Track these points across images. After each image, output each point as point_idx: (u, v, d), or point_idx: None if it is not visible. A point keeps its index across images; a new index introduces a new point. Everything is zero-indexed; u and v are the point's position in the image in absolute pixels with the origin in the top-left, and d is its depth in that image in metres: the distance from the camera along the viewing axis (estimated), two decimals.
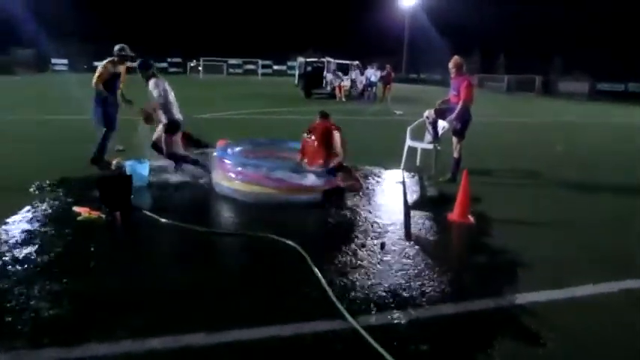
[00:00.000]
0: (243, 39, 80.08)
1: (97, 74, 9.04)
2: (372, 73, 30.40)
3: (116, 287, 4.44)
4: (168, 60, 72.91)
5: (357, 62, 33.62)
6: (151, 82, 8.24)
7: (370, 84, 30.49)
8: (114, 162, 8.83)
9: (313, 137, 7.99)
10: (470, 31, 68.65)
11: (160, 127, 8.46)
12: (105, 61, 9.15)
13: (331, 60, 31.92)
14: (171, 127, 8.37)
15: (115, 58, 9.21)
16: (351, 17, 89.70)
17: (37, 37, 59.80)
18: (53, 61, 66.00)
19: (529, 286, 4.79)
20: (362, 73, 32.07)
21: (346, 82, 31.00)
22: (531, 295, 4.61)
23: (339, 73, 31.11)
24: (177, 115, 8.47)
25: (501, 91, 55.18)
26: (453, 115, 8.84)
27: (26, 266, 4.72)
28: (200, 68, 65.15)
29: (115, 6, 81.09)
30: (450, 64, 9.01)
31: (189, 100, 27.62)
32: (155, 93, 8.22)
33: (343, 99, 28.95)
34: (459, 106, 8.76)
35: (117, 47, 9.27)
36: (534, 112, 28.37)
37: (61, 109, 18.85)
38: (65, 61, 67.30)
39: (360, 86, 31.79)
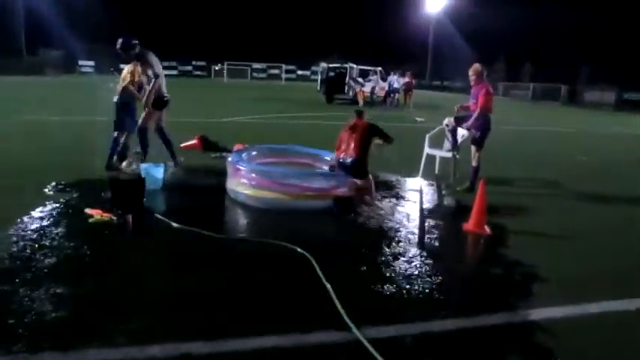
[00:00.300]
0: (268, 44, 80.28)
1: (125, 77, 9.11)
2: (395, 80, 30.41)
3: (120, 291, 4.40)
4: (193, 63, 73.59)
5: (379, 68, 33.57)
6: (152, 58, 8.51)
7: (392, 90, 30.50)
8: (124, 164, 8.76)
9: (354, 135, 7.79)
10: (495, 38, 68.06)
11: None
12: (131, 65, 9.22)
13: (353, 66, 31.85)
14: (161, 103, 8.52)
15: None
16: (376, 23, 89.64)
17: (66, 39, 60.55)
18: (80, 62, 66.87)
19: (543, 301, 4.65)
20: (384, 80, 32.08)
21: (366, 88, 30.97)
22: (545, 310, 4.48)
23: (360, 79, 31.05)
24: (166, 92, 8.60)
25: (526, 99, 54.65)
26: (469, 122, 8.73)
27: (33, 268, 4.69)
28: (224, 72, 65.55)
29: (142, 10, 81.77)
30: (470, 72, 8.88)
31: (211, 103, 27.93)
32: (157, 69, 8.48)
33: (362, 104, 28.81)
34: (475, 114, 8.63)
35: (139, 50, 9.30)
36: (558, 121, 27.95)
37: (84, 110, 19.02)
38: (92, 63, 68.18)
39: (380, 92, 31.76)
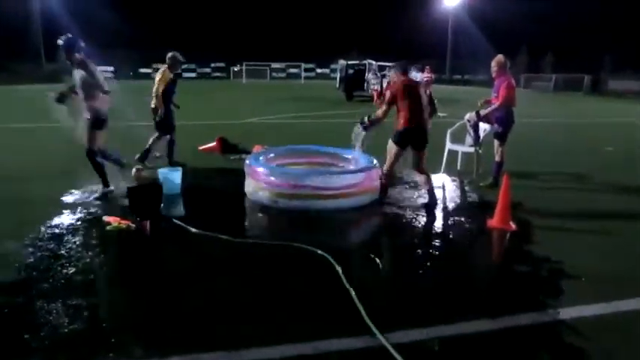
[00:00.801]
0: (286, 43, 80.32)
1: (159, 81, 9.38)
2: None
3: (138, 301, 4.34)
4: (212, 65, 73.84)
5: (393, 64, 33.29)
6: (92, 67, 7.70)
7: None
8: (133, 171, 8.67)
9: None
10: (516, 30, 67.42)
11: (85, 124, 7.64)
12: (163, 68, 9.53)
13: (372, 62, 31.65)
14: (101, 122, 7.58)
15: (168, 65, 9.57)
16: (395, 19, 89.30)
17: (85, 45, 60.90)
18: (99, 68, 67.06)
19: (574, 299, 4.48)
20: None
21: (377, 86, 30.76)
22: (576, 309, 4.31)
23: (378, 74, 30.81)
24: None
25: (548, 90, 53.97)
26: (491, 116, 8.55)
27: (50, 279, 4.64)
28: (243, 73, 65.68)
29: (159, 13, 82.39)
30: (492, 63, 8.67)
31: (231, 104, 27.95)
32: (97, 78, 7.69)
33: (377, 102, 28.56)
34: (494, 106, 8.45)
35: (169, 55, 9.63)
36: (582, 112, 27.50)
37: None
38: (111, 69, 68.60)
39: None
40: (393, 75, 7.65)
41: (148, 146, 9.58)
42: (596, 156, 12.61)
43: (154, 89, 9.41)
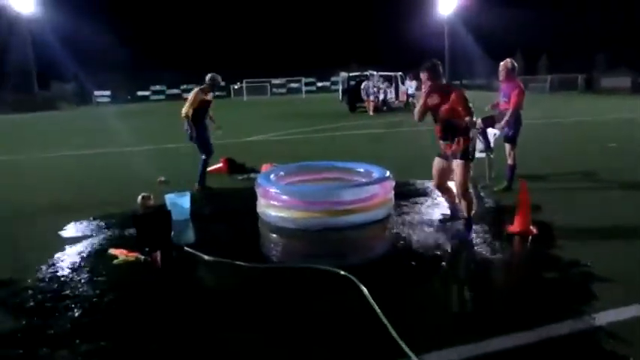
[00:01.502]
0: (285, 58, 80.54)
1: (188, 103, 9.33)
2: (409, 85, 30.61)
3: (152, 342, 4.01)
4: None
5: (399, 73, 33.48)
6: None
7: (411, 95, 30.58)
8: (139, 198, 8.36)
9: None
10: (510, 34, 67.71)
11: None
12: (195, 90, 9.54)
13: (374, 73, 31.63)
14: None
15: (205, 87, 9.62)
16: (391, 29, 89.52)
17: (78, 71, 60.82)
18: (96, 93, 67.14)
19: (609, 302, 4.29)
20: (403, 84, 32.23)
21: (380, 96, 30.67)
22: (612, 312, 4.12)
23: (378, 85, 30.71)
24: None
25: (544, 91, 54.25)
26: (503, 123, 8.38)
27: (54, 324, 4.30)
28: (244, 90, 65.72)
29: (156, 34, 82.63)
30: (501, 67, 8.53)
31: (233, 123, 27.81)
32: None
33: (371, 113, 28.48)
34: (509, 113, 8.29)
35: (208, 76, 9.74)
36: (579, 111, 27.45)
37: (102, 143, 19.01)
38: (108, 93, 68.59)
39: (403, 97, 31.81)
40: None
41: (200, 171, 9.52)
42: (601, 153, 12.49)
43: (183, 110, 9.28)
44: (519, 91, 8.28)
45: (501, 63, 8.54)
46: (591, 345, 3.70)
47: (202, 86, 9.58)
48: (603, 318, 4.02)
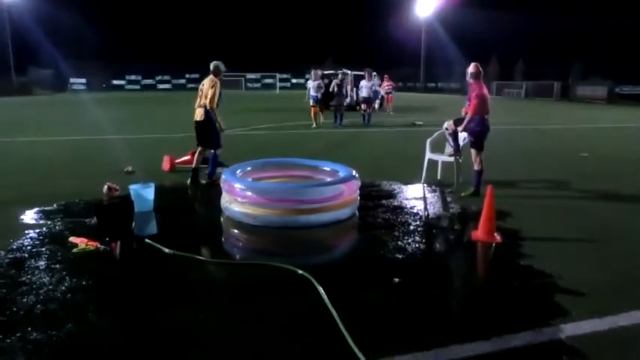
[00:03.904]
0: (261, 53, 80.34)
1: (213, 94, 9.05)
2: (365, 84, 29.77)
3: (105, 335, 3.94)
4: (187, 76, 73.54)
5: (374, 73, 33.13)
6: None
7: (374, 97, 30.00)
8: (105, 188, 8.12)
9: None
10: (487, 38, 68.36)
11: None
12: (215, 80, 9.24)
13: (348, 72, 31.47)
14: None
15: (220, 76, 9.39)
16: (368, 29, 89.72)
17: (55, 57, 60.43)
18: (72, 80, 66.88)
19: (568, 315, 4.24)
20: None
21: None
22: (571, 326, 4.06)
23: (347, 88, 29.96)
24: None
25: (519, 97, 54.73)
26: (461, 127, 8.42)
27: (7, 310, 4.22)
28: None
29: (132, 24, 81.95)
30: (468, 70, 8.54)
31: None
32: None
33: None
34: (468, 118, 8.34)
35: (218, 64, 9.45)
36: (553, 118, 27.61)
37: (74, 130, 18.75)
38: (83, 81, 68.20)
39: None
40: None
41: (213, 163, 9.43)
42: (573, 162, 12.55)
43: (208, 100, 9.03)
44: (476, 94, 8.31)
45: (468, 67, 8.56)
46: (549, 358, 3.67)
47: (218, 76, 9.34)
48: (564, 331, 4.00)
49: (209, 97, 9.02)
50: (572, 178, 10.15)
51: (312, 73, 21.87)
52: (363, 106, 22.36)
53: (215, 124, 9.16)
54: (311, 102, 21.00)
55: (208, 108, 9.03)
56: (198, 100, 9.25)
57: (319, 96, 20.99)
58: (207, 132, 9.23)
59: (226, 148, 9.76)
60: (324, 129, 19.11)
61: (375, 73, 32.17)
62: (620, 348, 3.83)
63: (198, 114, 9.20)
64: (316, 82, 21.14)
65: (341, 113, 21.17)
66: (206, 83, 9.26)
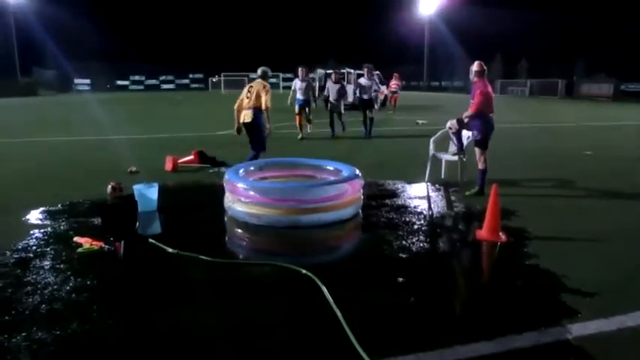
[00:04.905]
0: (264, 53, 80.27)
1: (269, 96, 9.30)
2: (364, 81, 29.64)
3: (110, 334, 3.93)
4: (190, 76, 73.76)
5: (376, 72, 33.06)
6: None
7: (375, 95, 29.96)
8: (109, 188, 8.19)
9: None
10: (491, 36, 68.17)
11: None
12: (266, 85, 9.48)
13: (351, 71, 31.45)
14: None
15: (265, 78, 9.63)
16: (371, 27, 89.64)
17: (60, 58, 60.75)
18: (76, 81, 67.26)
19: (574, 316, 4.21)
20: (383, 83, 31.68)
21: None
22: (577, 326, 4.02)
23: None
24: None
25: (523, 95, 54.51)
26: (468, 124, 8.41)
27: (12, 310, 4.23)
28: (222, 83, 65.61)
29: (136, 25, 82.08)
30: (472, 68, 8.51)
31: (209, 115, 27.64)
32: None
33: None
34: (468, 113, 8.36)
35: (265, 69, 9.75)
36: (558, 116, 27.57)
37: (78, 130, 18.79)
38: (88, 81, 68.54)
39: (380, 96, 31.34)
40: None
41: None
42: (577, 160, 12.51)
43: (264, 102, 9.26)
44: (480, 91, 8.26)
45: (472, 66, 8.52)
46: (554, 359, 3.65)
47: (267, 80, 9.64)
48: (568, 331, 3.97)
49: (264, 99, 9.24)
50: (576, 177, 10.11)
51: (300, 70, 17.34)
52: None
53: (262, 127, 9.38)
54: (296, 108, 17.24)
55: (263, 108, 9.27)
56: (246, 102, 9.43)
57: (310, 99, 17.58)
58: (253, 134, 9.49)
59: (228, 148, 9.74)
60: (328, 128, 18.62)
61: (378, 72, 31.96)
62: (628, 349, 3.80)
63: (248, 116, 9.36)
64: (304, 83, 17.16)
65: (341, 120, 17.69)
66: (255, 87, 9.43)
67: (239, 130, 9.61)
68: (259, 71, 9.68)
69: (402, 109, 29.02)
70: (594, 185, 9.42)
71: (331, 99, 17.76)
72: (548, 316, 4.21)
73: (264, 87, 9.32)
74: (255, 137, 9.46)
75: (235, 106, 9.58)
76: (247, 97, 9.38)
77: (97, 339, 3.85)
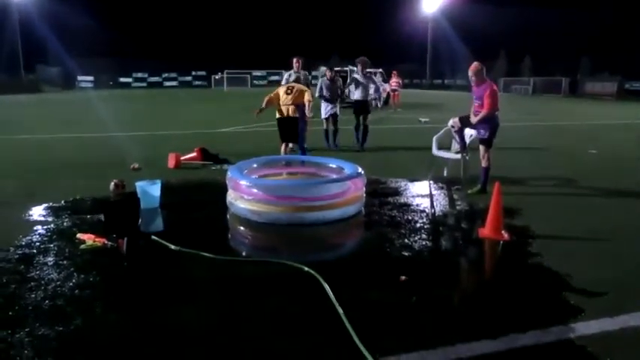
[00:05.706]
0: (267, 50, 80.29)
1: (310, 92, 10.38)
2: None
3: (112, 331, 3.94)
4: (193, 73, 73.79)
5: (379, 70, 33.09)
6: None
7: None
8: (112, 185, 8.14)
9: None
10: (494, 34, 68.05)
11: None
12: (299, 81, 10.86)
13: (354, 68, 31.35)
14: None
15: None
16: (375, 25, 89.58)
17: (63, 55, 60.91)
18: (79, 78, 67.39)
19: (577, 315, 4.20)
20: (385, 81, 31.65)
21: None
22: (580, 325, 4.02)
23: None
24: None
25: (527, 94, 54.41)
26: (475, 120, 8.36)
27: (15, 305, 4.24)
28: (224, 81, 65.62)
29: (139, 22, 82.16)
30: (470, 72, 8.43)
31: (211, 112, 27.64)
32: None
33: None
34: (482, 115, 8.24)
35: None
36: (562, 115, 27.50)
37: (81, 127, 18.80)
38: (91, 78, 68.62)
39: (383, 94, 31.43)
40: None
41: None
42: (582, 159, 12.49)
43: (309, 95, 10.14)
44: (490, 92, 8.20)
45: (470, 68, 8.44)
46: (557, 358, 3.64)
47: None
48: (571, 330, 3.96)
49: (308, 93, 10.20)
50: (580, 176, 10.08)
51: (294, 61, 13.93)
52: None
53: (302, 121, 10.34)
54: None
55: (307, 100, 10.07)
56: (288, 98, 10.18)
57: None
58: (296, 128, 10.27)
59: (230, 145, 9.74)
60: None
61: (381, 70, 31.84)
62: (632, 348, 3.79)
63: (291, 110, 10.11)
64: (297, 75, 13.47)
65: (335, 127, 14.28)
66: (297, 87, 10.40)
67: (260, 112, 10.41)
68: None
69: (405, 107, 28.98)
70: (598, 184, 9.39)
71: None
72: (551, 314, 4.21)
73: (305, 89, 10.40)
74: (296, 131, 10.27)
75: (267, 98, 10.44)
76: (287, 94, 10.15)
77: (99, 335, 3.86)
